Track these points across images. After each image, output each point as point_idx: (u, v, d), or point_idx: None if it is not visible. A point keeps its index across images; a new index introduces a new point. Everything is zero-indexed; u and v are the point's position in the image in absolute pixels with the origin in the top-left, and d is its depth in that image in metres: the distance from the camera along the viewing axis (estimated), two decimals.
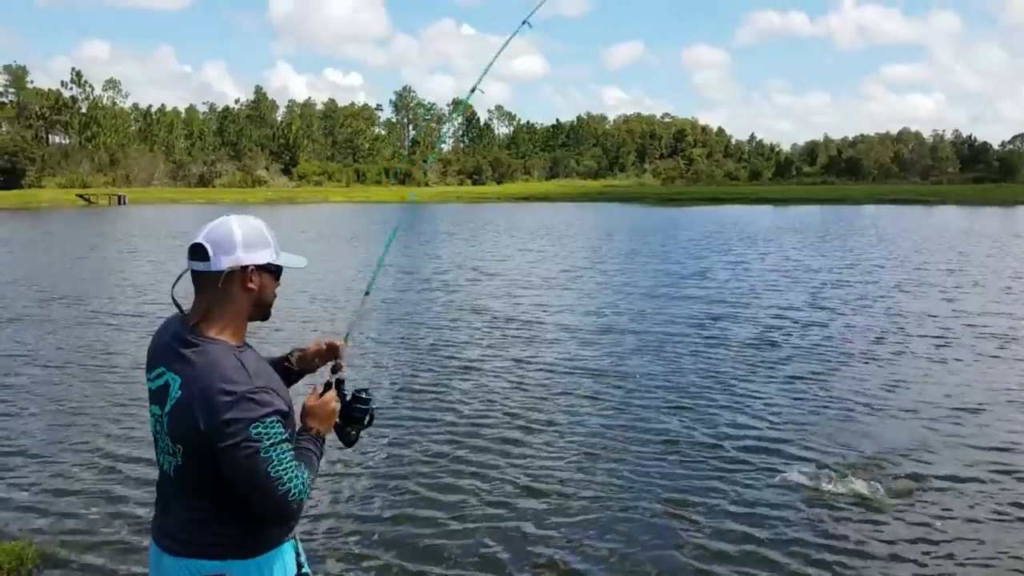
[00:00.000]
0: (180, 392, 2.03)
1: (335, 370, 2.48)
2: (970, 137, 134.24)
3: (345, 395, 2.43)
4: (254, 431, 1.97)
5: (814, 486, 5.53)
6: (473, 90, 2.43)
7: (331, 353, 2.52)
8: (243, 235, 2.10)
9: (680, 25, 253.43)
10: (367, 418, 2.44)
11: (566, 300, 14.20)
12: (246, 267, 2.10)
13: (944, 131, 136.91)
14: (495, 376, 8.76)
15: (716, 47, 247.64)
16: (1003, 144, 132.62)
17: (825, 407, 7.50)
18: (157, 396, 2.12)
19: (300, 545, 2.32)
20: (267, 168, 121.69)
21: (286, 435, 2.05)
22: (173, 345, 2.09)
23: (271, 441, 1.99)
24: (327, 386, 2.40)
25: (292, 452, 2.05)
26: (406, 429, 6.87)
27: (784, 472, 5.77)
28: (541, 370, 9.10)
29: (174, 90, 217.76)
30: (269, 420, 1.99)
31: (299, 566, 2.24)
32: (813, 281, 16.70)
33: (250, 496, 2.03)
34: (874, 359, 9.50)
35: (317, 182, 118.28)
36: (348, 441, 2.46)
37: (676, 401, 7.68)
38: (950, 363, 9.28)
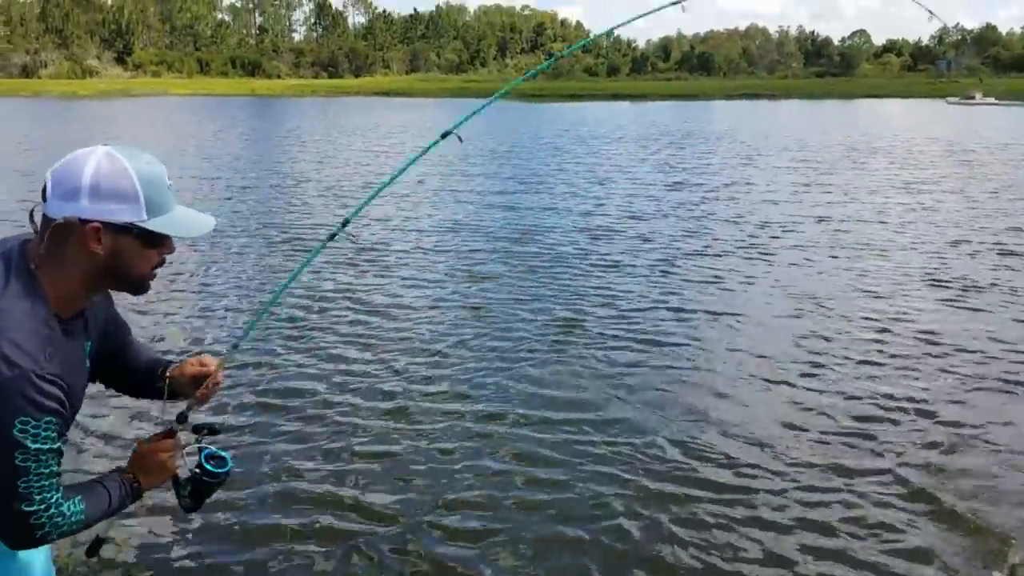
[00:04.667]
0: None
1: (180, 419, 1.94)
2: (813, 33, 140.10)
3: (196, 451, 1.94)
4: (19, 427, 1.50)
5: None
6: None
7: (201, 380, 1.97)
8: (95, 178, 1.56)
9: None
10: (213, 490, 1.96)
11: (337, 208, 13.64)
12: (87, 222, 1.57)
13: (788, 27, 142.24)
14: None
15: None
16: (843, 40, 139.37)
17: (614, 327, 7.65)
18: None
19: None
20: (99, 57, 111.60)
21: (57, 445, 1.58)
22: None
23: (36, 447, 1.53)
24: (167, 432, 1.91)
25: (56, 467, 1.60)
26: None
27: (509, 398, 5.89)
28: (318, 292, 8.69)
29: None
30: (44, 420, 1.53)
31: None
32: (645, 184, 17.10)
33: None
34: (668, 267, 9.56)
35: (155, 72, 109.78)
36: (183, 505, 1.96)
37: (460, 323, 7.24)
38: (732, 270, 9.55)
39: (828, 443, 4.80)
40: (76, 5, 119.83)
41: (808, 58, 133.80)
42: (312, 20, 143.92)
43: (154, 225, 1.62)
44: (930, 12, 2.82)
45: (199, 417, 2.05)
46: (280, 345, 6.46)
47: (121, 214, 1.58)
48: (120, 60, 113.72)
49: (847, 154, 23.09)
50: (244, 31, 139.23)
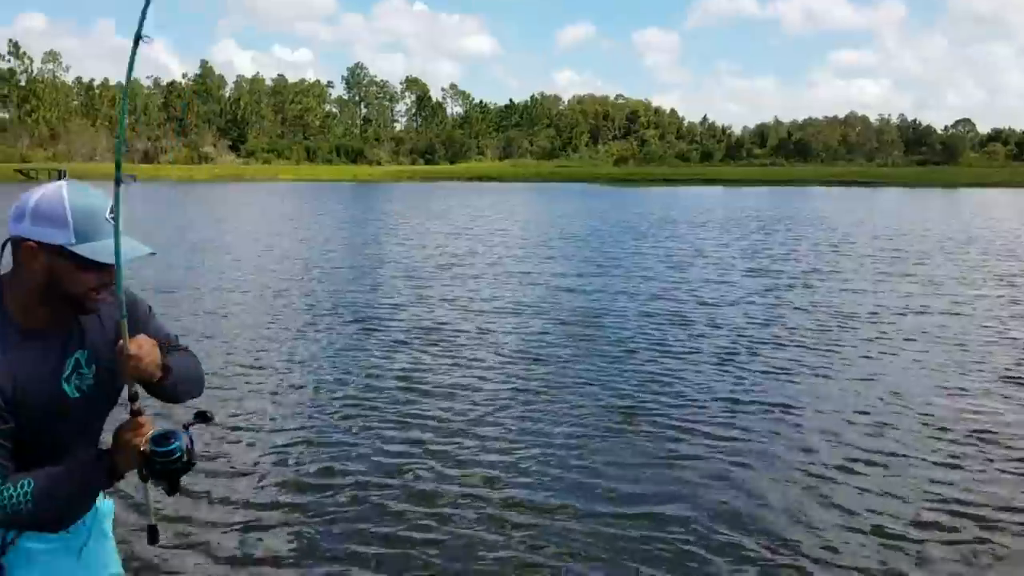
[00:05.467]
0: None
1: (132, 397, 1.93)
2: (915, 121, 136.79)
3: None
4: None
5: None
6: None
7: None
8: (37, 203, 1.82)
9: (629, 7, 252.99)
10: (173, 469, 1.88)
11: (420, 296, 13.97)
12: (26, 240, 1.81)
13: (890, 115, 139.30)
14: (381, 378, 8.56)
15: (667, 30, 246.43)
16: (946, 128, 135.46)
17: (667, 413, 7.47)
18: None
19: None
20: (214, 145, 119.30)
21: None
22: None
23: None
24: (131, 412, 1.93)
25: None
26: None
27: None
28: (399, 372, 8.82)
29: (116, 64, 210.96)
30: None
31: None
32: (723, 268, 16.88)
33: None
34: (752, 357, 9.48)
35: (266, 159, 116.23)
36: (164, 490, 1.93)
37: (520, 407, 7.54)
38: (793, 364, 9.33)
39: (889, 551, 4.48)
40: (197, 97, 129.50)
41: (909, 146, 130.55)
42: (413, 111, 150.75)
43: (80, 250, 1.83)
44: None
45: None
46: (329, 424, 6.58)
47: (52, 236, 1.82)
48: (234, 148, 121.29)
49: (941, 243, 22.18)
50: (349, 121, 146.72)
